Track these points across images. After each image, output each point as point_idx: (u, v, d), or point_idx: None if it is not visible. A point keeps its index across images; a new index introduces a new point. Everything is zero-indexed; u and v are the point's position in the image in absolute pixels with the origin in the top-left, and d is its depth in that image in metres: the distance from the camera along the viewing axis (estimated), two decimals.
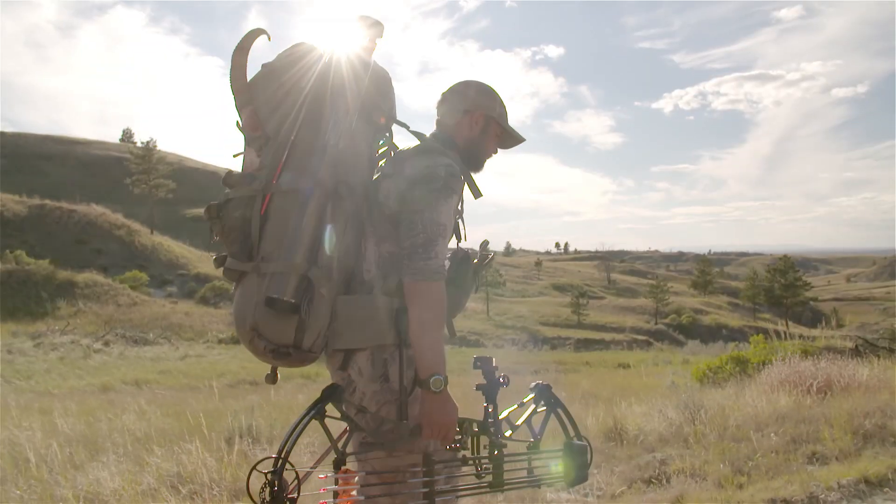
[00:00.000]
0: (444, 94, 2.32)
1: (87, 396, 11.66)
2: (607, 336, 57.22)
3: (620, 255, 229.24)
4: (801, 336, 15.98)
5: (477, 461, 2.05)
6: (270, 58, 2.14)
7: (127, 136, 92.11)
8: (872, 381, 6.88)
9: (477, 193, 2.21)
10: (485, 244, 2.34)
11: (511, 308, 72.39)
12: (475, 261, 2.27)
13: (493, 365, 2.13)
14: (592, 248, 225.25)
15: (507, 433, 2.13)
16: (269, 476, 1.74)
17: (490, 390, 2.10)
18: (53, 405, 8.44)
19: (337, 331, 2.01)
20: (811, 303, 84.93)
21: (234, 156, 2.20)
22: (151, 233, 51.08)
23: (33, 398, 11.05)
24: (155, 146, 61.18)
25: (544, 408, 2.19)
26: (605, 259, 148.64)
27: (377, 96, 2.16)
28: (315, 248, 1.98)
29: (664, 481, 4.29)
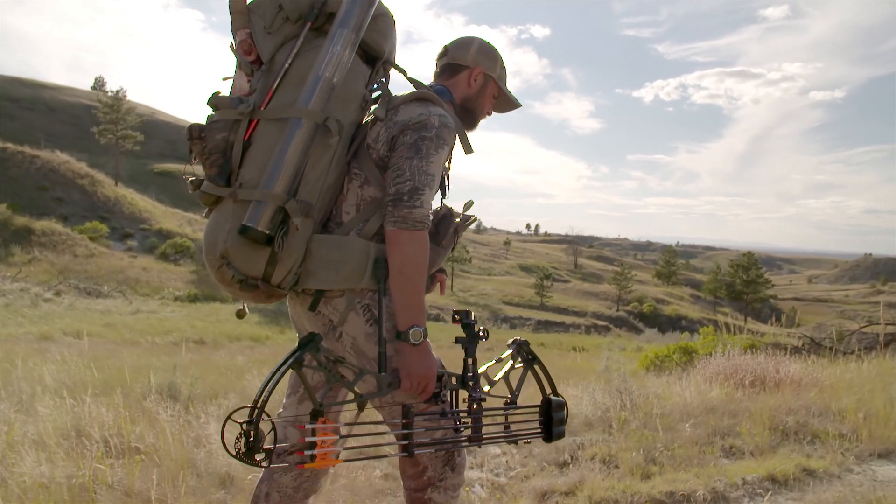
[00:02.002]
0: (446, 47, 2.27)
1: (20, 344, 11.34)
2: (568, 319, 57.60)
3: (590, 241, 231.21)
4: (749, 331, 16.13)
5: (455, 415, 2.02)
6: None
7: (99, 84, 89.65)
8: (806, 379, 6.86)
9: (468, 148, 2.16)
10: (468, 205, 2.25)
11: (476, 285, 72.61)
12: (457, 220, 2.19)
13: (473, 319, 2.09)
14: (563, 232, 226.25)
15: (485, 388, 2.09)
16: (244, 426, 1.69)
17: (469, 344, 2.06)
18: None
19: (310, 270, 1.95)
20: (771, 300, 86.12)
21: (224, 79, 2.13)
22: (116, 184, 50.16)
23: None
24: (125, 96, 59.55)
25: (521, 364, 2.17)
26: (575, 243, 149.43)
27: (379, 37, 2.10)
28: (296, 180, 1.91)
29: (575, 466, 4.19)
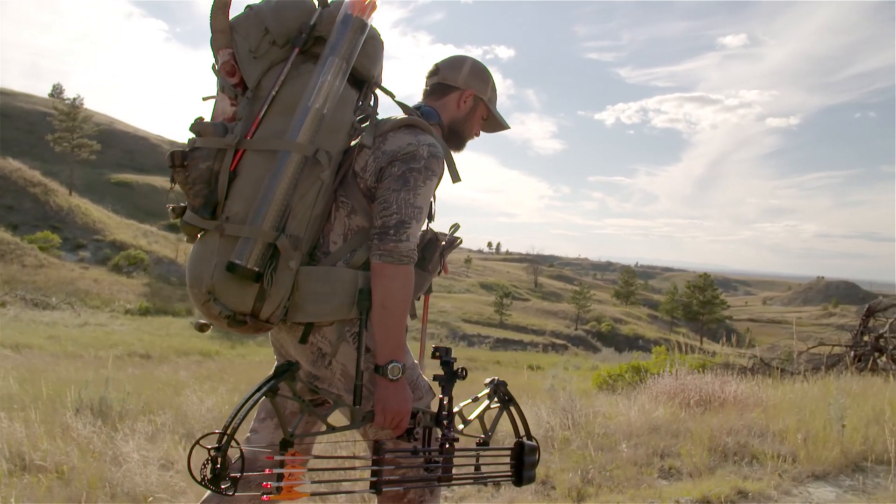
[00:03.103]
0: (437, 66, 2.21)
1: None
2: (526, 338, 57.63)
3: (550, 260, 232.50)
4: (701, 350, 16.23)
5: (427, 454, 1.94)
6: None
7: (57, 91, 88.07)
8: (751, 399, 6.86)
9: (455, 177, 2.11)
10: (454, 227, 2.21)
11: (435, 303, 72.36)
12: (442, 243, 2.12)
13: (452, 356, 2.05)
14: (524, 251, 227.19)
15: (459, 427, 2.06)
16: (211, 452, 1.64)
17: (447, 383, 2.02)
18: None
19: (298, 303, 1.90)
20: (727, 321, 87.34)
21: (204, 98, 2.04)
22: (70, 194, 49.21)
23: None
24: (82, 103, 58.51)
25: (498, 404, 2.14)
26: (535, 262, 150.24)
27: (368, 61, 2.04)
28: (285, 214, 1.85)
29: (511, 486, 4.07)
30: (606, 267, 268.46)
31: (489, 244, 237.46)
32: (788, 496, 4.08)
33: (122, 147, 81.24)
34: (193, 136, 1.92)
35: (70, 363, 11.13)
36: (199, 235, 1.93)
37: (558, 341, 59.12)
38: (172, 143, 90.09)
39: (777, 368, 11.37)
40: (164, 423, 5.47)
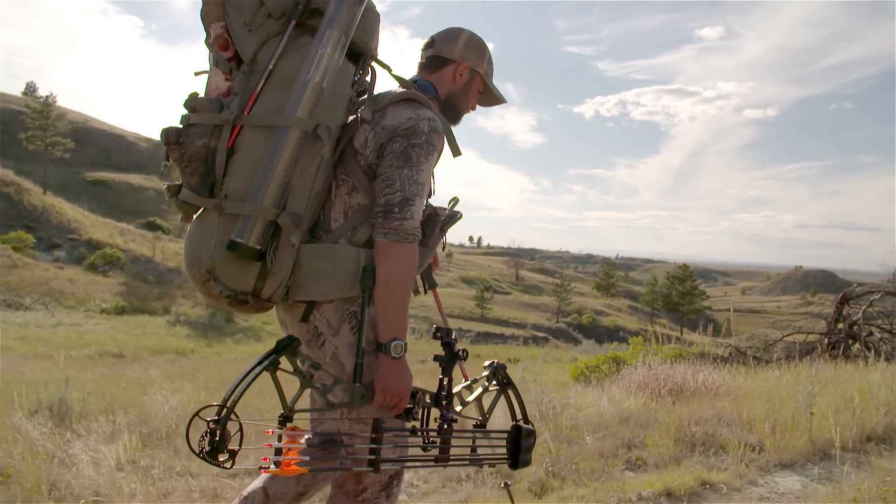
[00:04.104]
0: (432, 38, 2.18)
1: None
2: (508, 331, 57.67)
3: (531, 253, 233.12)
4: (678, 339, 16.26)
5: (425, 433, 1.94)
6: None
7: (31, 89, 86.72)
8: (722, 388, 6.83)
9: (456, 151, 2.08)
10: (454, 202, 2.18)
11: (416, 297, 72.09)
12: (442, 217, 2.10)
13: (453, 337, 2.03)
14: (505, 245, 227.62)
15: (458, 408, 2.04)
16: (210, 425, 1.64)
17: (448, 363, 2.00)
18: None
19: (299, 281, 1.87)
20: (706, 311, 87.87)
21: (196, 74, 2.00)
22: (44, 193, 48.61)
23: None
24: (54, 101, 57.79)
25: (496, 387, 2.14)
26: (516, 256, 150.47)
27: (366, 34, 1.99)
28: (286, 191, 1.82)
29: (473, 482, 4.00)
30: (587, 259, 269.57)
31: (470, 238, 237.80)
32: (754, 486, 4.02)
33: (97, 145, 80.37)
34: (187, 112, 1.86)
35: (37, 364, 10.95)
36: (195, 215, 1.88)
37: (539, 334, 59.19)
38: (149, 140, 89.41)
39: (751, 357, 11.39)
40: (127, 422, 5.35)
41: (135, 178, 72.09)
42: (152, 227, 57.58)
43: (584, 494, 3.63)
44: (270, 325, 32.18)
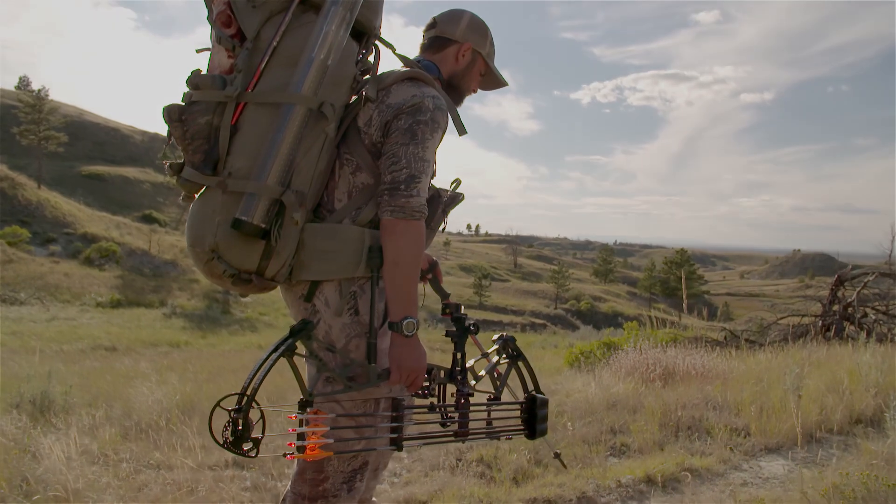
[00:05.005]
0: (435, 19, 2.18)
1: None
2: (506, 318, 57.59)
3: (530, 241, 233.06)
4: (673, 323, 16.21)
5: (443, 409, 1.97)
6: None
7: (24, 83, 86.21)
8: (713, 372, 6.77)
9: (462, 129, 2.06)
10: (456, 184, 2.18)
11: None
12: (444, 199, 2.10)
13: (463, 312, 2.07)
14: (503, 232, 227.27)
15: (472, 383, 2.06)
16: (232, 414, 1.64)
17: (460, 338, 2.03)
18: None
19: (303, 261, 1.88)
20: (705, 296, 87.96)
21: (198, 51, 2.00)
22: (39, 187, 48.36)
23: None
24: (47, 95, 57.30)
25: (506, 360, 2.14)
26: (514, 243, 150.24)
27: (370, 12, 1.99)
28: (290, 169, 1.81)
29: (454, 471, 3.94)
30: (585, 246, 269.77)
31: (468, 226, 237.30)
32: (737, 471, 3.96)
33: (92, 139, 79.94)
34: (189, 90, 1.84)
35: (26, 359, 10.87)
36: (198, 195, 1.87)
37: (537, 321, 59.14)
38: (144, 133, 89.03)
39: (744, 340, 11.34)
40: (109, 416, 5.30)
41: (130, 172, 71.70)
42: (148, 219, 57.39)
43: (563, 482, 3.56)
44: (267, 316, 32.12)
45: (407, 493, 3.52)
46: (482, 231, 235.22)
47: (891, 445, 3.96)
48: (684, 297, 16.55)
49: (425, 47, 2.18)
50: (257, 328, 28.23)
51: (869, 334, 9.83)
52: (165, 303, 31.33)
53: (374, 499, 2.30)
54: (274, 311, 32.87)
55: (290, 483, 2.01)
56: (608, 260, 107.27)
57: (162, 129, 1.86)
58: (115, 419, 5.21)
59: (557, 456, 2.42)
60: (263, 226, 1.77)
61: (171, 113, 1.81)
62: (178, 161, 1.88)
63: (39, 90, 57.25)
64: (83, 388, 6.94)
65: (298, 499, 1.96)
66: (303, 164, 1.84)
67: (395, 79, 1.95)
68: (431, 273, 2.35)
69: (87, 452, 4.09)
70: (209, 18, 1.91)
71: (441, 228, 2.12)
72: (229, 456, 4.12)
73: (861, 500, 2.92)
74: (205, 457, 4.11)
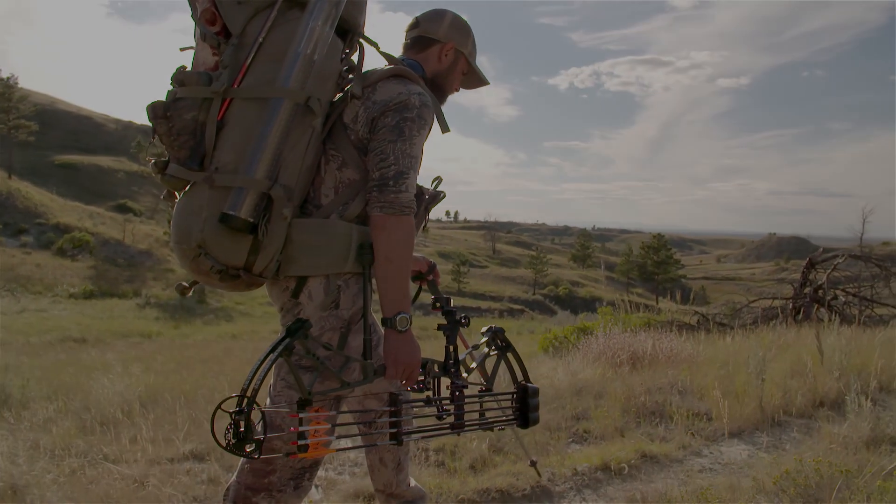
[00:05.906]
0: (417, 19, 2.18)
1: None
2: (484, 304, 57.69)
3: (508, 227, 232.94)
4: (647, 308, 16.23)
5: (438, 402, 1.97)
6: None
7: None
8: (681, 355, 6.77)
9: (445, 127, 2.10)
10: (437, 181, 2.17)
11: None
12: (426, 197, 2.10)
13: (452, 306, 2.10)
14: (482, 218, 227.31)
15: (465, 375, 2.07)
16: (233, 416, 1.63)
17: (451, 331, 2.06)
18: None
19: (291, 256, 1.87)
20: (682, 280, 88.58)
21: (182, 49, 2.00)
22: (9, 177, 47.73)
23: None
24: (16, 83, 56.47)
25: (496, 352, 2.15)
26: (493, 229, 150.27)
27: (355, 9, 2.00)
28: (277, 164, 1.80)
29: (416, 460, 3.88)
30: (564, 231, 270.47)
31: (447, 213, 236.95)
32: (697, 457, 3.94)
33: (65, 127, 78.98)
34: (173, 87, 1.85)
35: None
36: (182, 191, 1.86)
37: (516, 306, 59.23)
38: (118, 121, 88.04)
39: (715, 324, 11.38)
40: (68, 409, 5.20)
41: (104, 161, 70.92)
42: (123, 209, 56.81)
43: (520, 471, 3.51)
44: (243, 306, 31.90)
45: (365, 484, 3.46)
46: (461, 217, 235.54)
47: (849, 428, 3.96)
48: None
49: (408, 47, 2.18)
50: (233, 317, 28.07)
51: (839, 316, 9.88)
52: (140, 293, 31.04)
53: (412, 483, 2.30)
54: (250, 300, 32.60)
55: (235, 473, 1.99)
56: (586, 245, 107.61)
57: (137, 117, 1.81)
58: (73, 412, 5.10)
59: (534, 464, 2.37)
60: (251, 220, 1.76)
61: (155, 109, 1.80)
62: (163, 159, 1.87)
63: (8, 78, 56.35)
64: (44, 381, 6.82)
65: (242, 489, 1.95)
66: (290, 159, 1.84)
67: (380, 76, 1.96)
68: (431, 275, 2.37)
69: (37, 447, 3.99)
70: (193, 16, 1.91)
71: (423, 226, 2.11)
72: (186, 448, 4.05)
73: (814, 486, 2.90)
74: (164, 450, 4.03)
